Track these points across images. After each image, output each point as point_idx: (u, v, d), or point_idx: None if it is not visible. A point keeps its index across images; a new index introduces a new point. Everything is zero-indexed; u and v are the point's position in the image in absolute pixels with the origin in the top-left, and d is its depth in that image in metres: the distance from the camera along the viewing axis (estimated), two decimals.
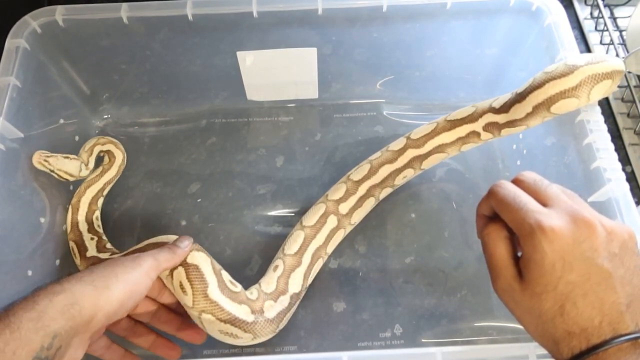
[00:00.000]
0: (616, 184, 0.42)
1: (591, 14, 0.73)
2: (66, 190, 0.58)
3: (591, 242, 0.31)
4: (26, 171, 0.51)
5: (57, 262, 0.54)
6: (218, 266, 0.46)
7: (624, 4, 0.72)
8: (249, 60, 0.59)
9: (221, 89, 0.65)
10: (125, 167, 0.62)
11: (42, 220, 0.52)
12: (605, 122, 0.46)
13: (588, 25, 0.73)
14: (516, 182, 0.36)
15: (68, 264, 0.55)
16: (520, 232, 0.32)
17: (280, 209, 0.59)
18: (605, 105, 0.66)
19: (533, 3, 0.53)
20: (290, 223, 0.57)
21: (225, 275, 0.46)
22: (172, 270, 0.43)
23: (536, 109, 0.45)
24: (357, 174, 0.54)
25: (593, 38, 0.72)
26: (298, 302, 0.49)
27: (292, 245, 0.50)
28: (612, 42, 0.68)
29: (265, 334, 0.45)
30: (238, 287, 0.46)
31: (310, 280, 0.50)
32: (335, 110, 0.67)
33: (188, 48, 0.58)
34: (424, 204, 0.59)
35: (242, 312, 0.43)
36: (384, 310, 0.53)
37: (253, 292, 0.46)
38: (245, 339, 0.44)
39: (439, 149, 0.52)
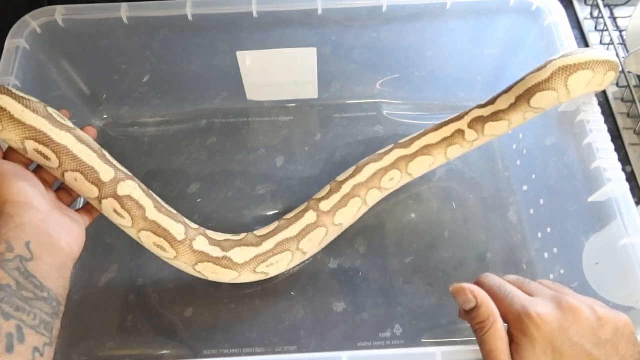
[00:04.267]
0: (616, 184, 0.42)
1: (591, 14, 0.73)
2: None
3: (578, 327, 0.31)
4: None
5: None
6: (146, 187, 0.47)
7: (624, 4, 0.72)
8: (248, 61, 0.59)
9: (221, 89, 0.65)
10: (125, 168, 0.62)
11: None
12: (605, 122, 0.46)
13: (588, 25, 0.73)
14: (496, 276, 0.37)
15: None
16: (508, 319, 0.33)
17: (281, 209, 0.59)
18: (605, 105, 0.66)
19: (533, 3, 0.53)
20: None
21: (157, 197, 0.47)
22: (100, 200, 0.44)
23: (518, 100, 0.46)
24: (342, 175, 0.53)
25: (593, 38, 0.72)
26: (231, 272, 0.47)
27: (263, 230, 0.50)
28: (612, 42, 0.68)
29: (184, 260, 0.46)
30: (175, 212, 0.48)
31: (266, 269, 0.48)
32: (335, 110, 0.66)
33: (188, 48, 0.58)
34: (424, 204, 0.59)
35: (176, 229, 0.46)
36: (384, 310, 0.53)
37: (197, 226, 0.48)
38: (169, 255, 0.46)
39: (425, 150, 0.51)
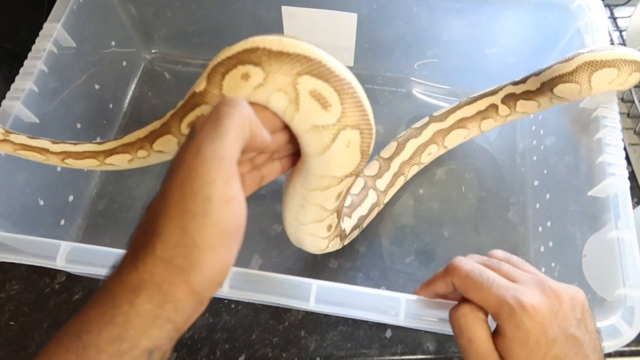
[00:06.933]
0: (618, 180, 0.42)
1: None
2: None
3: (563, 312, 0.30)
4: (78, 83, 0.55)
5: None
6: None
7: (624, 4, 0.71)
8: (292, 16, 0.61)
9: None
10: (167, 104, 0.65)
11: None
12: None
13: None
14: (468, 259, 0.34)
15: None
16: (496, 311, 0.30)
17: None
18: None
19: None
20: None
21: None
22: (295, 83, 0.28)
23: (543, 86, 0.46)
24: (385, 152, 0.54)
25: None
26: (324, 243, 0.44)
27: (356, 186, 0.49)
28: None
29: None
30: None
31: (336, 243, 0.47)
32: (367, 81, 0.67)
33: None
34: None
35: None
36: None
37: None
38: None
39: (460, 123, 0.53)
